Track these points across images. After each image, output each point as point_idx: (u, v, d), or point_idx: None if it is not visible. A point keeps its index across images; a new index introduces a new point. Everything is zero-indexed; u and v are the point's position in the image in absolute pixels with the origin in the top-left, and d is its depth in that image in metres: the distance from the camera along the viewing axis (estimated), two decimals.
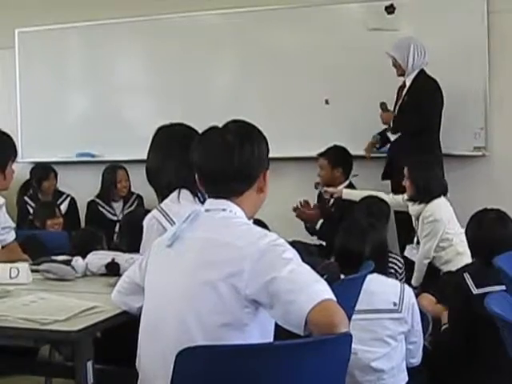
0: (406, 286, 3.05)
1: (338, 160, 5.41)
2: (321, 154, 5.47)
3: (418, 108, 5.06)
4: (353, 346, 1.76)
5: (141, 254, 2.79)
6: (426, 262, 4.57)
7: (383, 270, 3.07)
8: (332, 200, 5.38)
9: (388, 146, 5.48)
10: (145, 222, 2.79)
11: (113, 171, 6.19)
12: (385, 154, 5.46)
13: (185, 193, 2.79)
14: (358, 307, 2.74)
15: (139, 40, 6.49)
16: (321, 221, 5.27)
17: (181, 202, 2.76)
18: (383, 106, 5.27)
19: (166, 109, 6.13)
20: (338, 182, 5.39)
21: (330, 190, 5.28)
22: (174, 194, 2.80)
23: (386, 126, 5.37)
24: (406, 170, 4.68)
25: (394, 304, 2.94)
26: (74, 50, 6.78)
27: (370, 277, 2.83)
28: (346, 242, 3.10)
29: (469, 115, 5.56)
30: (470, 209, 4.10)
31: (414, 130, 5.08)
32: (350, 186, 5.41)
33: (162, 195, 2.85)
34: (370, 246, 3.03)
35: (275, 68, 6.07)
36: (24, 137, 6.77)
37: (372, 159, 5.64)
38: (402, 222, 4.96)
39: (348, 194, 5.13)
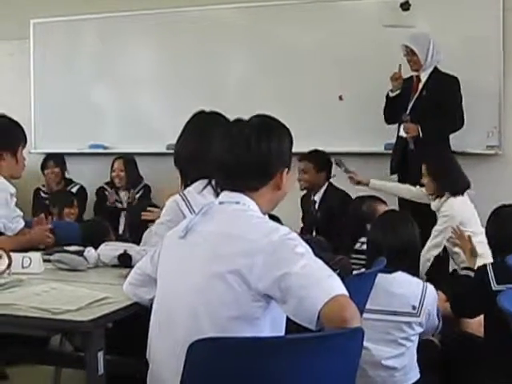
0: (429, 287, 2.95)
1: (323, 164, 5.38)
2: (304, 158, 5.36)
3: (453, 111, 5.04)
4: (366, 344, 1.75)
5: (154, 232, 2.78)
6: (430, 256, 4.42)
7: (411, 267, 2.96)
8: (317, 204, 5.38)
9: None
10: (166, 204, 2.78)
11: (113, 161, 6.30)
12: (390, 151, 5.43)
13: (209, 187, 2.72)
14: (375, 306, 2.71)
15: (153, 33, 6.48)
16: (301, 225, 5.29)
17: (204, 194, 2.70)
18: (406, 117, 5.13)
19: (177, 102, 6.15)
20: (320, 186, 5.39)
21: (359, 178, 5.11)
22: (199, 184, 2.75)
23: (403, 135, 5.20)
24: (424, 167, 4.53)
25: (413, 307, 2.86)
26: (88, 41, 6.78)
27: (392, 276, 2.80)
28: (373, 236, 3.07)
29: (483, 113, 5.49)
30: (482, 208, 4.10)
31: (452, 132, 5.11)
32: (330, 186, 5.38)
33: (191, 182, 2.78)
34: (398, 241, 2.95)
35: (289, 63, 6.04)
36: (37, 128, 6.82)
37: (380, 155, 5.64)
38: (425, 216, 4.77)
39: (374, 184, 5.01)
